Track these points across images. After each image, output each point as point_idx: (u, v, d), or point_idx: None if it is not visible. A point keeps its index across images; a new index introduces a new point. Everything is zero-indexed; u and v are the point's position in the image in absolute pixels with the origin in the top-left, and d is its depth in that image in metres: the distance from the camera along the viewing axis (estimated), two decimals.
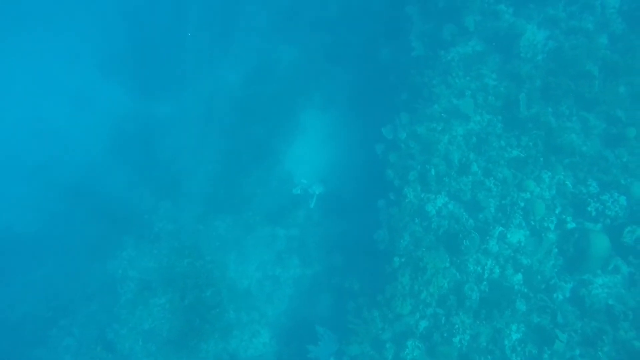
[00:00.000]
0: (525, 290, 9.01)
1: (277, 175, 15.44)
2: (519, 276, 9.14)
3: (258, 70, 17.83)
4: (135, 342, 11.93)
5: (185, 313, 12.25)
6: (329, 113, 16.20)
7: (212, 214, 14.33)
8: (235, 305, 13.09)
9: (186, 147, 15.82)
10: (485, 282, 9.24)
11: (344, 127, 15.59)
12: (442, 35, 11.91)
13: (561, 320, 8.59)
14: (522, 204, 9.49)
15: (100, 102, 17.73)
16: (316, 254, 13.79)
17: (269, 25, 18.59)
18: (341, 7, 16.88)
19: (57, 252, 13.86)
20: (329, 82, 16.61)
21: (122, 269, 12.87)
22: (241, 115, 16.48)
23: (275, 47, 18.15)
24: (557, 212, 9.42)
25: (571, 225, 9.20)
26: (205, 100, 17.00)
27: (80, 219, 14.47)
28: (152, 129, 16.65)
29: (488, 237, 9.37)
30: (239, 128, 16.13)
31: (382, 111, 13.23)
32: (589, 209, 9.03)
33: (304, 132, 16.19)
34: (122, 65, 18.50)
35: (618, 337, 8.21)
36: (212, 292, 12.69)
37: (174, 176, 15.05)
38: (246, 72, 17.97)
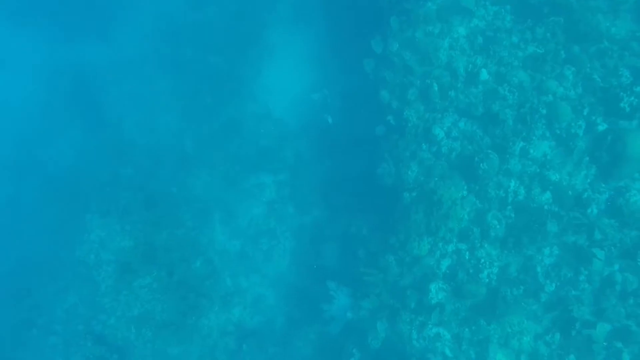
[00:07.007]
0: (556, 209, 9.44)
1: (251, 111, 15.26)
2: (548, 194, 9.52)
3: None
4: (128, 331, 12.61)
5: (177, 290, 12.81)
6: (301, 26, 15.66)
7: (184, 173, 14.37)
8: (230, 271, 13.65)
9: (135, 96, 15.42)
10: (510, 207, 9.64)
11: (324, 41, 15.15)
12: None
13: (598, 236, 9.12)
14: (544, 111, 9.61)
15: (20, 57, 16.97)
16: (313, 199, 14.08)
17: None
18: None
19: (13, 245, 14.13)
20: None
21: (94, 253, 13.17)
22: (195, 46, 15.89)
23: None
24: (585, 113, 9.57)
25: (602, 127, 9.40)
26: (148, 34, 16.25)
27: (30, 201, 14.55)
28: (90, 79, 16.08)
29: (508, 156, 9.61)
30: (194, 63, 15.63)
31: (368, 17, 12.82)
32: (622, 104, 9.16)
33: (273, 55, 15.76)
34: (38, 8, 17.43)
35: None
36: (202, 262, 13.18)
37: (128, 135, 14.85)
38: None
